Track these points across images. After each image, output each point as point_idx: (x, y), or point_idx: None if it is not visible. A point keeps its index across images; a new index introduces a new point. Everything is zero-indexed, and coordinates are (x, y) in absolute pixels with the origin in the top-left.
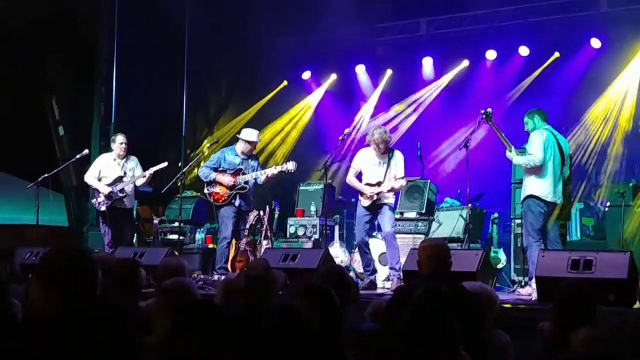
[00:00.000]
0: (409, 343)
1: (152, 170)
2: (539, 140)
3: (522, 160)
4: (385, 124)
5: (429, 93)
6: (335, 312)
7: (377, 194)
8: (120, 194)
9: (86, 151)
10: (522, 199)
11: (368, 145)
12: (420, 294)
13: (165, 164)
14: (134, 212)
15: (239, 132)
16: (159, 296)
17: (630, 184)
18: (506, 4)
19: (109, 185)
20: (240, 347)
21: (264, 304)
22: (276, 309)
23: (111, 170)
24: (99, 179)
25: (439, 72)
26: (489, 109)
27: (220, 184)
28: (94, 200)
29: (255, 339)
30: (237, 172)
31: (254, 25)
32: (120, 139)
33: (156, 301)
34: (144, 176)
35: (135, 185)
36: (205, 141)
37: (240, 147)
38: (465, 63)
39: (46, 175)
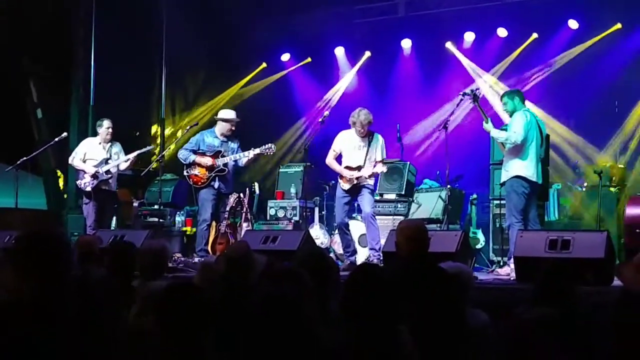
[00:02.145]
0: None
1: (136, 153)
2: (522, 121)
3: (503, 135)
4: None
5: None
6: (308, 294)
7: (357, 178)
8: (106, 175)
9: (65, 134)
10: (503, 180)
11: (348, 127)
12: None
13: (151, 147)
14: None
15: (216, 114)
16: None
17: (607, 165)
18: None
19: (95, 166)
20: (222, 329)
21: (243, 286)
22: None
23: (97, 153)
24: (84, 161)
25: (418, 54)
26: (478, 90)
27: (199, 165)
28: (79, 181)
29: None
30: (216, 154)
31: (233, 9)
32: (106, 123)
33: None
34: (128, 160)
35: (118, 170)
36: (184, 123)
37: (219, 128)
38: (449, 45)
39: (25, 158)
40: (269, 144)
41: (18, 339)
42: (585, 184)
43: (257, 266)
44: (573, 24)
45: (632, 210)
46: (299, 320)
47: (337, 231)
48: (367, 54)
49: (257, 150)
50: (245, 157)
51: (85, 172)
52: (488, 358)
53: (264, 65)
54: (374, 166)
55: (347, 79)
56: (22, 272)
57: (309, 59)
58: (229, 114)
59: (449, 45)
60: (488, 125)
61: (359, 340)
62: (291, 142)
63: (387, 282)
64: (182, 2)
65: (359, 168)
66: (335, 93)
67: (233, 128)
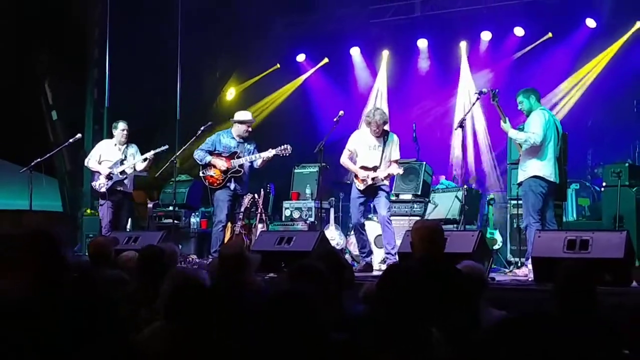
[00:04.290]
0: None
1: (152, 152)
2: (541, 121)
3: (522, 136)
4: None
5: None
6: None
7: (372, 179)
8: (121, 176)
9: (79, 135)
10: (520, 180)
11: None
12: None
13: (166, 146)
14: None
15: (232, 116)
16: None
17: (626, 164)
18: None
19: (109, 168)
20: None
21: (237, 284)
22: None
23: (112, 154)
24: (100, 163)
25: (433, 54)
26: (496, 89)
27: (215, 167)
28: (94, 182)
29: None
30: (232, 156)
31: (248, 9)
32: (122, 125)
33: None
34: (145, 159)
35: (134, 171)
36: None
37: (235, 130)
38: (464, 45)
39: (39, 159)
40: (285, 145)
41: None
42: (604, 184)
43: (250, 264)
44: (591, 22)
45: None
46: (313, 319)
47: (352, 232)
48: (386, 52)
49: (273, 152)
50: (260, 158)
51: (100, 174)
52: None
53: (278, 66)
54: (389, 166)
55: (381, 79)
56: (10, 271)
57: (326, 60)
58: (245, 115)
59: (462, 45)
60: (506, 125)
61: (394, 341)
62: (307, 143)
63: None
64: (198, 6)
65: (375, 168)
66: (377, 93)
67: (249, 129)
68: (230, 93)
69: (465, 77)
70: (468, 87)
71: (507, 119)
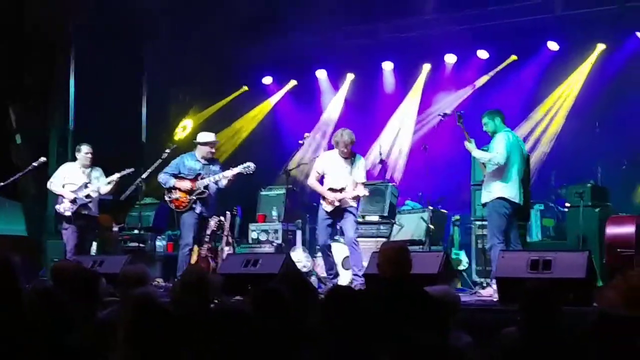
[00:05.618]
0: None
1: (117, 175)
2: (504, 142)
3: (487, 155)
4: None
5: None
6: (287, 312)
7: (340, 200)
8: (86, 199)
9: (43, 159)
10: (484, 201)
11: (331, 147)
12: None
13: (132, 169)
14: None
15: (195, 138)
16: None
17: (589, 185)
18: (464, 8)
19: (74, 192)
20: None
21: (201, 309)
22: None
23: (76, 177)
24: (63, 186)
25: (399, 77)
26: (462, 111)
27: (180, 189)
28: (58, 206)
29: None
30: (196, 177)
31: (214, 32)
32: (85, 148)
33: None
34: (110, 182)
35: (99, 195)
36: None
37: (199, 152)
38: (427, 67)
39: (2, 183)
40: (248, 163)
41: None
42: (568, 204)
43: (212, 286)
44: (553, 45)
45: (612, 230)
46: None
47: (319, 254)
48: (351, 76)
49: (237, 170)
50: (225, 177)
51: (64, 197)
52: None
53: (245, 88)
54: (356, 188)
55: (337, 103)
56: None
57: (295, 82)
58: (208, 136)
59: (425, 68)
60: (471, 145)
61: None
62: (273, 165)
63: (362, 304)
64: (164, 29)
65: (342, 190)
66: (327, 116)
67: (213, 150)
68: (185, 127)
69: (427, 98)
70: (431, 109)
71: (472, 140)
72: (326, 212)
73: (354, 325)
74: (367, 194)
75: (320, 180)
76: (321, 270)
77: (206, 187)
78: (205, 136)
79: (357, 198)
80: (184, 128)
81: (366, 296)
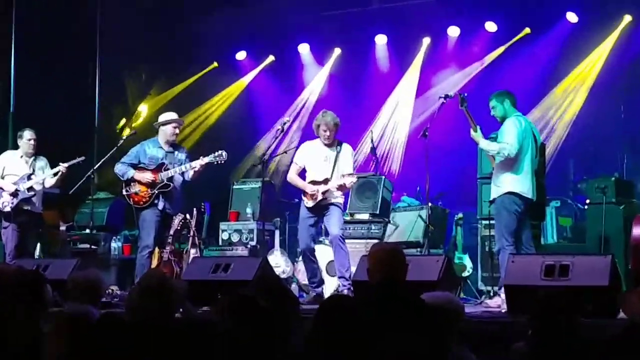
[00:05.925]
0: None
1: (64, 165)
2: (515, 130)
3: (495, 147)
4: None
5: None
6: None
7: (324, 192)
8: (29, 193)
9: None
10: (493, 197)
11: (314, 137)
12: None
13: (82, 158)
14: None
15: (156, 121)
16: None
17: (613, 178)
18: None
19: (14, 183)
20: None
21: (162, 316)
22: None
23: (18, 167)
24: (2, 177)
25: (394, 52)
26: (465, 93)
27: (140, 182)
28: None
29: None
30: (158, 168)
31: (179, 1)
32: (28, 134)
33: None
34: (56, 173)
35: (43, 188)
36: (123, 133)
37: (162, 136)
38: (427, 41)
39: None
40: (220, 151)
41: None
42: (588, 201)
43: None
44: (572, 17)
45: (638, 231)
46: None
47: (301, 258)
48: (337, 51)
49: (206, 159)
50: (192, 168)
51: (3, 190)
52: None
53: (215, 64)
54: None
55: (319, 81)
56: None
57: (272, 58)
58: (170, 115)
59: (425, 42)
60: (477, 135)
61: None
62: (247, 155)
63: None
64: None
65: (325, 182)
66: (309, 97)
67: (177, 132)
68: (140, 113)
69: (427, 78)
70: (432, 91)
71: (478, 127)
72: (308, 208)
73: (352, 342)
74: (354, 180)
75: (302, 175)
76: (303, 277)
77: (170, 179)
78: (166, 115)
79: (343, 190)
80: (139, 114)
81: (356, 305)
